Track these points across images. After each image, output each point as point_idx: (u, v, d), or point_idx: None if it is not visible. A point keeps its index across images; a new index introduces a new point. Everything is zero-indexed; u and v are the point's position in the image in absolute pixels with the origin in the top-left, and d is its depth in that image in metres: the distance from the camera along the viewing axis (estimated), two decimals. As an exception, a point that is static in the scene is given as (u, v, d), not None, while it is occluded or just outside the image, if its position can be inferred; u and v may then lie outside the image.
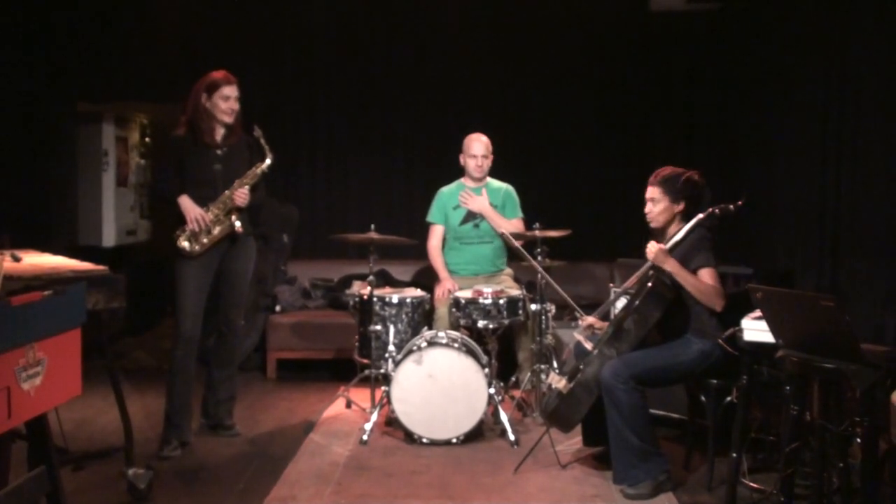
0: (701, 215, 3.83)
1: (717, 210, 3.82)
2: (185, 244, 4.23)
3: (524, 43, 6.62)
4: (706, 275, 3.78)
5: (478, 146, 5.16)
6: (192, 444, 4.37)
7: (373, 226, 4.80)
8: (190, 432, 4.41)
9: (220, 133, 4.34)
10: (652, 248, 3.86)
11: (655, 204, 3.95)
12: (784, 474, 3.13)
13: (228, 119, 4.31)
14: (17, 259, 3.28)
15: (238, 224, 4.29)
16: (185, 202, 4.23)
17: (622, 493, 3.72)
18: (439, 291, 5.02)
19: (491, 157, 5.18)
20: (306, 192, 6.75)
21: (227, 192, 4.28)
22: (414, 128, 6.73)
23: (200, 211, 4.23)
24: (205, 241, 4.26)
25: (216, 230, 4.27)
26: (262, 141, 4.34)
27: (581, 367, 3.92)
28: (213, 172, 4.30)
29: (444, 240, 5.28)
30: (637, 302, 3.83)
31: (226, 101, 4.30)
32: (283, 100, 6.70)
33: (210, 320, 4.49)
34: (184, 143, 4.34)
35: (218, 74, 4.34)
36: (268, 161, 4.36)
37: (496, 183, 5.30)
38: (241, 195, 4.29)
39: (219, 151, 4.32)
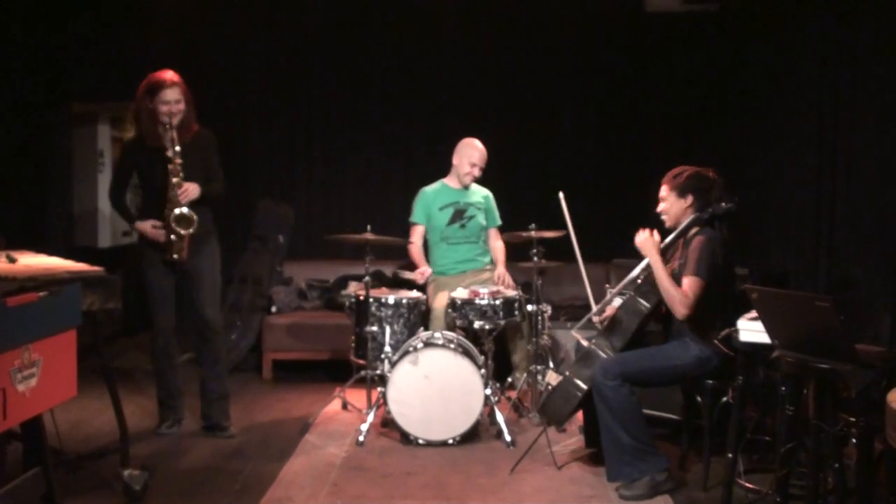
0: (692, 216, 3.86)
1: (709, 210, 3.84)
2: (174, 257, 4.32)
3: (520, 43, 6.63)
4: (687, 283, 3.72)
5: (478, 156, 5.16)
6: (188, 445, 4.38)
7: (369, 226, 4.80)
8: (184, 410, 4.61)
9: (167, 134, 4.27)
10: (642, 236, 3.86)
11: (664, 201, 3.95)
12: (780, 475, 3.14)
13: (167, 121, 4.26)
14: (12, 260, 3.28)
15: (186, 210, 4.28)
16: (141, 228, 4.33)
17: (618, 494, 3.72)
18: (417, 274, 5.05)
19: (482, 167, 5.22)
20: (302, 192, 6.75)
21: (170, 193, 4.27)
22: (410, 128, 6.73)
23: (150, 227, 4.30)
24: (181, 246, 4.30)
25: (182, 231, 4.28)
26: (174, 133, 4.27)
27: (574, 359, 3.94)
28: (164, 177, 4.29)
29: (427, 239, 5.30)
30: (629, 292, 3.87)
31: (166, 105, 4.26)
32: (280, 100, 6.70)
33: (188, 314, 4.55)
34: (135, 148, 4.40)
35: (160, 76, 4.33)
36: (177, 148, 4.26)
37: (477, 188, 5.33)
38: (185, 193, 4.28)
39: (168, 153, 4.26)
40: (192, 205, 4.31)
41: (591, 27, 6.61)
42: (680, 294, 3.70)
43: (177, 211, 4.25)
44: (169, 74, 4.34)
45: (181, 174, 4.26)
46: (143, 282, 4.46)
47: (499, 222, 5.36)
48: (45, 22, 6.31)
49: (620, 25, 6.60)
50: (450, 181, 5.30)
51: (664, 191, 3.94)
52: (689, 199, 3.88)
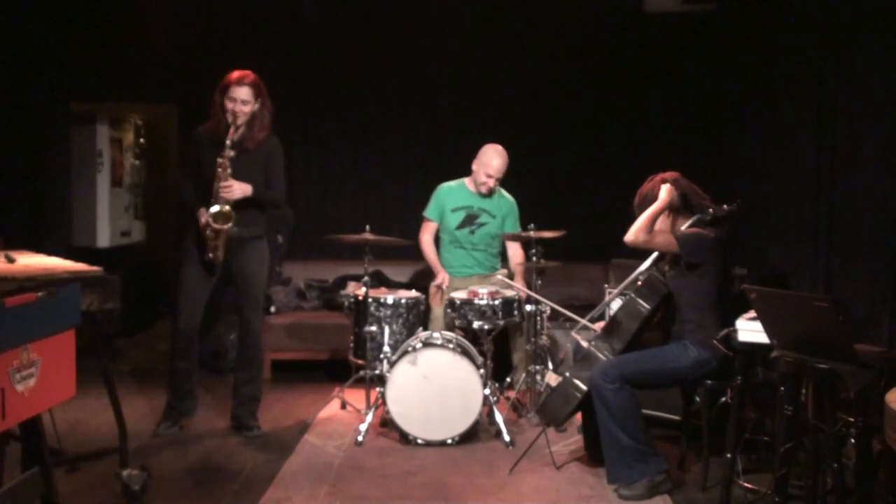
0: (693, 218, 3.89)
1: (709, 211, 3.86)
2: (209, 256, 4.30)
3: (519, 44, 6.63)
4: (664, 235, 3.87)
5: (496, 166, 5.02)
6: (187, 445, 4.38)
7: (368, 226, 4.80)
8: (186, 415, 4.58)
9: (234, 133, 4.27)
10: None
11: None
12: (778, 475, 3.14)
13: (230, 119, 4.27)
14: (11, 260, 3.27)
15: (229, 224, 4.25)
16: (200, 212, 4.29)
17: (617, 494, 3.72)
18: (437, 282, 5.07)
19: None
20: (301, 192, 6.74)
21: (215, 187, 4.24)
22: (409, 128, 6.73)
23: (204, 221, 4.27)
24: (216, 245, 4.28)
25: (217, 226, 4.25)
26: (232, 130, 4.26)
27: (573, 361, 3.94)
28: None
29: (438, 236, 5.28)
30: (629, 293, 3.87)
31: (232, 103, 4.28)
32: (278, 100, 6.63)
33: (211, 322, 4.51)
34: (200, 139, 4.40)
35: (233, 74, 4.35)
36: (228, 142, 4.24)
37: (501, 192, 5.22)
38: (227, 190, 4.25)
39: (231, 152, 4.26)
40: (244, 206, 4.29)
41: (591, 27, 6.61)
42: (642, 224, 3.83)
43: (214, 208, 4.22)
44: (241, 73, 4.35)
45: (229, 170, 4.23)
46: (178, 279, 4.46)
47: (518, 229, 5.17)
48: (44, 22, 6.30)
49: (619, 26, 6.60)
50: (470, 183, 5.20)
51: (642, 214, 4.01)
52: (656, 207, 3.93)
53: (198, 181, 4.37)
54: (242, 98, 4.29)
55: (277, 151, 4.52)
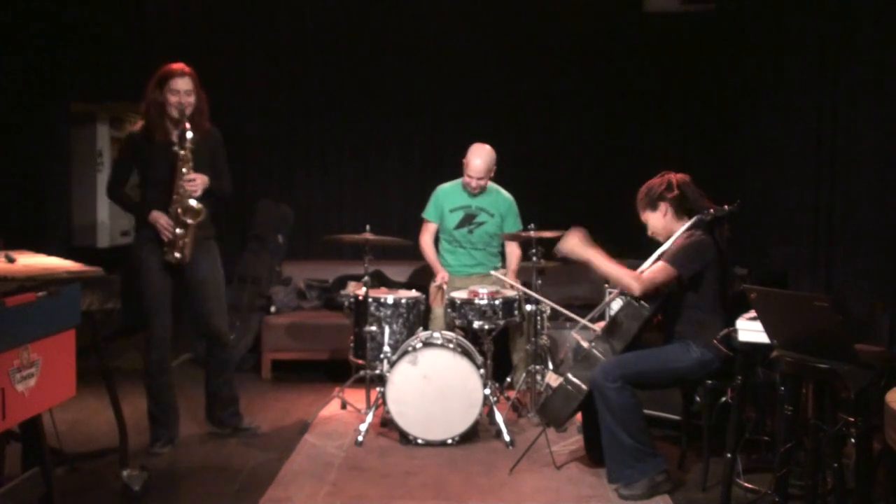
0: (693, 218, 3.87)
1: (710, 211, 3.85)
2: (176, 256, 4.17)
3: (519, 44, 6.63)
4: (658, 268, 3.77)
5: (477, 167, 4.97)
6: (187, 445, 4.38)
7: (368, 226, 4.80)
8: (177, 429, 4.42)
9: (177, 127, 4.17)
10: (567, 239, 3.92)
11: (646, 222, 4.00)
12: (779, 474, 3.14)
13: (175, 114, 4.14)
14: (11, 260, 3.27)
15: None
16: (155, 217, 4.15)
17: (617, 493, 3.73)
18: (437, 282, 5.05)
19: (493, 171, 5.06)
20: (301, 192, 6.75)
21: (177, 183, 4.13)
22: (409, 128, 6.73)
23: (166, 220, 4.15)
24: (185, 243, 4.18)
25: (189, 220, 4.15)
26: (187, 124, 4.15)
27: (573, 361, 3.94)
28: (170, 171, 4.15)
29: (438, 237, 5.28)
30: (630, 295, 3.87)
31: (175, 95, 4.14)
32: (278, 100, 6.69)
33: (193, 323, 4.42)
34: (140, 141, 4.24)
35: (172, 66, 4.22)
36: (188, 135, 4.13)
37: (499, 193, 5.20)
38: (192, 184, 4.13)
39: (175, 148, 4.14)
40: (198, 199, 4.17)
41: (591, 27, 6.61)
42: (630, 274, 3.77)
43: (190, 202, 4.11)
44: (178, 65, 4.23)
45: (191, 163, 4.12)
46: (140, 287, 4.25)
47: (519, 227, 5.14)
48: (44, 22, 6.30)
49: (620, 25, 6.60)
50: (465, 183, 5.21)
51: (641, 213, 4.00)
52: (663, 207, 3.92)
53: (144, 183, 4.25)
54: (186, 89, 4.16)
55: (221, 141, 4.40)
